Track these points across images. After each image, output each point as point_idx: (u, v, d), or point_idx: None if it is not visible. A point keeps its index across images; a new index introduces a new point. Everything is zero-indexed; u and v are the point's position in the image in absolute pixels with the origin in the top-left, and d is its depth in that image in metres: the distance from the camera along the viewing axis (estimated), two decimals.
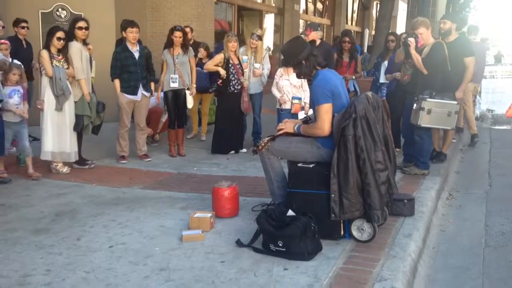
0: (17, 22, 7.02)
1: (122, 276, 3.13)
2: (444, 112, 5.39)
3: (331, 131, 3.68)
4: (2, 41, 5.90)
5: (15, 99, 5.39)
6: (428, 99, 5.34)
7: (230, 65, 6.64)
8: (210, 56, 7.64)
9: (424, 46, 5.62)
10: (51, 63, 5.39)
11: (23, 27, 6.99)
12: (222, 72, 6.59)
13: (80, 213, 4.33)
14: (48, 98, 5.44)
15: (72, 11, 8.61)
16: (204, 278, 3.09)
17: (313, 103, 3.83)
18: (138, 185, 5.24)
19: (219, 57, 6.66)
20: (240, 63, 6.77)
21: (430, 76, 5.45)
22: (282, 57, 4.20)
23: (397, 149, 6.16)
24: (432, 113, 5.33)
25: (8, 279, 3.07)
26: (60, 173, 5.61)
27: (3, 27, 6.06)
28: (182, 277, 3.10)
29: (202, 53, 7.53)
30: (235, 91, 6.70)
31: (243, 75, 6.74)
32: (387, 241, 3.70)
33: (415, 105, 5.44)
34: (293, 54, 3.85)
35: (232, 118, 6.72)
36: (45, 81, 5.44)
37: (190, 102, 6.70)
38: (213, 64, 6.69)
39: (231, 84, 6.67)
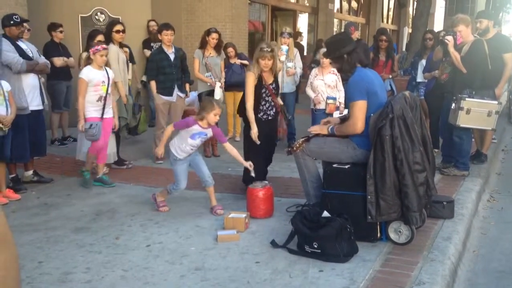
0: (55, 26, 7.22)
1: (159, 275, 3.18)
2: (484, 112, 5.23)
3: (364, 129, 3.63)
4: (103, 45, 5.13)
5: (196, 141, 4.29)
6: (467, 99, 5.20)
7: (262, 86, 4.86)
8: (238, 55, 7.71)
9: (463, 44, 5.47)
10: None
11: (61, 32, 7.21)
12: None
13: (118, 212, 4.43)
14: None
15: (110, 15, 8.82)
16: (239, 278, 3.10)
17: (348, 100, 3.80)
18: None
19: (252, 80, 4.82)
20: (275, 82, 5.04)
21: (469, 74, 5.31)
22: (324, 49, 4.09)
23: (436, 150, 6.02)
24: (471, 113, 5.18)
25: (50, 276, 3.17)
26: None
27: (29, 30, 6.20)
28: (217, 277, 3.12)
29: (231, 52, 7.57)
30: (269, 118, 4.97)
31: (277, 96, 5.10)
32: (425, 244, 3.62)
33: (453, 104, 5.30)
34: (337, 47, 3.82)
35: (263, 148, 4.94)
36: None
37: (218, 94, 6.72)
38: (251, 94, 4.84)
39: (262, 109, 4.92)
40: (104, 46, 5.16)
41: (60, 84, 7.13)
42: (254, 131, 4.72)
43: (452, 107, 5.32)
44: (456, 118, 5.24)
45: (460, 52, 5.40)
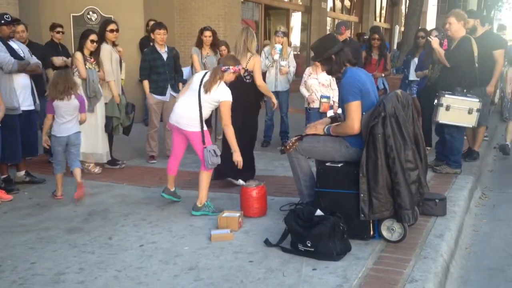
0: (53, 27, 7.23)
1: (153, 275, 3.17)
2: (464, 109, 5.25)
3: (361, 130, 3.64)
4: (238, 68, 4.38)
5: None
6: (446, 95, 5.23)
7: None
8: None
9: (453, 42, 5.48)
10: (84, 65, 5.50)
11: (58, 32, 7.20)
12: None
13: (111, 212, 4.42)
14: None
15: (103, 14, 8.79)
16: (233, 278, 3.10)
17: (342, 101, 3.81)
18: None
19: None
20: None
21: (455, 71, 5.31)
22: (312, 53, 4.12)
23: (428, 148, 6.05)
24: (450, 109, 5.23)
25: (43, 277, 3.16)
26: (92, 173, 5.73)
27: (23, 31, 6.16)
28: (211, 276, 3.12)
29: (223, 50, 7.53)
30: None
31: None
32: (418, 241, 3.64)
33: (436, 101, 5.33)
34: (323, 49, 3.82)
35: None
36: (77, 82, 5.55)
37: None
38: None
39: None
40: (238, 68, 4.37)
41: None
42: (275, 101, 5.52)
43: (435, 103, 5.35)
44: (436, 114, 5.28)
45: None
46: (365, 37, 11.08)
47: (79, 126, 4.92)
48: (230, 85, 4.49)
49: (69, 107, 4.73)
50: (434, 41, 5.44)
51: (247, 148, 5.10)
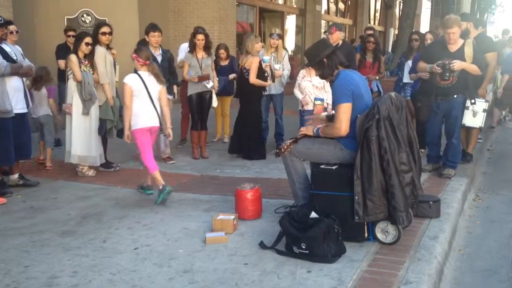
0: (65, 31, 7.29)
1: (147, 278, 3.16)
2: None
3: (351, 130, 3.65)
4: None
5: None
6: (485, 100, 5.38)
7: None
8: (229, 57, 7.66)
9: (457, 48, 5.35)
10: (79, 68, 5.49)
11: (69, 36, 7.25)
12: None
13: (105, 215, 4.40)
14: (75, 102, 5.53)
15: (97, 16, 8.77)
16: (228, 280, 3.10)
17: (333, 103, 3.82)
18: None
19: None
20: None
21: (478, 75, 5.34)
22: (306, 60, 4.19)
23: (422, 150, 6.07)
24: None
25: (37, 280, 3.14)
26: (86, 176, 5.71)
27: (17, 32, 6.13)
28: (205, 279, 3.12)
29: (222, 53, 7.51)
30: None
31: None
32: (412, 243, 3.65)
33: (473, 107, 5.30)
34: (315, 53, 3.84)
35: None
36: (72, 85, 5.54)
37: (215, 101, 6.74)
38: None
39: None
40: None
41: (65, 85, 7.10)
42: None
43: (473, 109, 5.30)
44: (481, 120, 5.34)
45: (461, 56, 5.23)
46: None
47: (50, 111, 6.16)
48: (236, 80, 6.55)
49: (38, 96, 6.02)
50: (459, 64, 5.19)
51: (253, 131, 6.52)
